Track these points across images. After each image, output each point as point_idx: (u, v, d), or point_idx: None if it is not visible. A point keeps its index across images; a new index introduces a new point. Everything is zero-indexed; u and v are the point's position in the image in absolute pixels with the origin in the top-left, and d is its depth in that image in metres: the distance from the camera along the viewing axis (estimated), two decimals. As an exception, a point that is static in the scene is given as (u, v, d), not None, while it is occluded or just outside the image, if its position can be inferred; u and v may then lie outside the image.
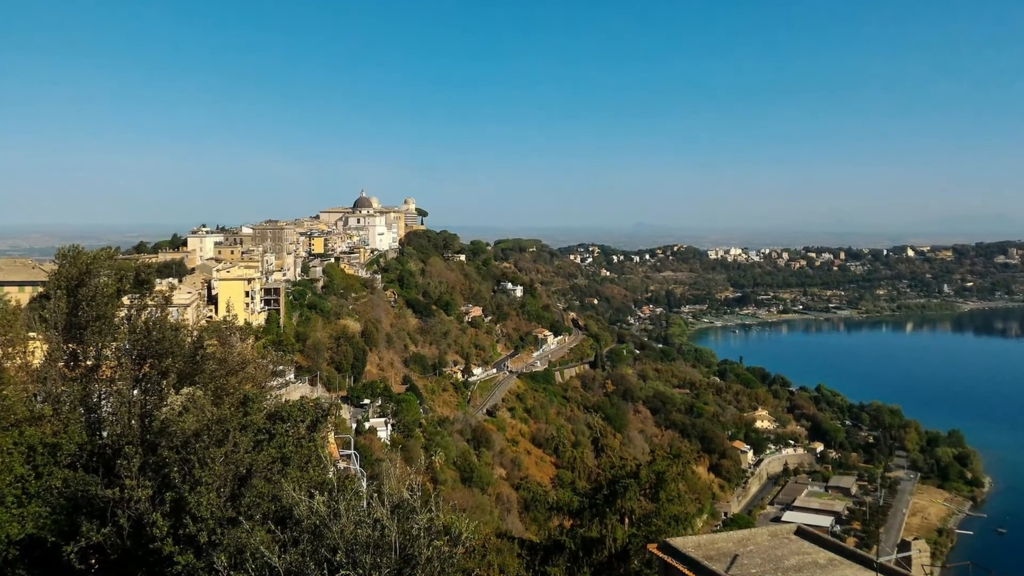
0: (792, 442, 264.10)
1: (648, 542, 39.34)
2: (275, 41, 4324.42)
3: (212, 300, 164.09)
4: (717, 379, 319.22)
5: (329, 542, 18.62)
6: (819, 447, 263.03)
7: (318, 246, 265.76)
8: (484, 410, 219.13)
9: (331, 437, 64.04)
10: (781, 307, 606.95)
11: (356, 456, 75.37)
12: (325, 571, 18.35)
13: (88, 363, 30.71)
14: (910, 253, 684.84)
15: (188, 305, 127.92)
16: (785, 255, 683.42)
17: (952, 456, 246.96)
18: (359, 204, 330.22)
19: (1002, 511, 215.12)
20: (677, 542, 28.98)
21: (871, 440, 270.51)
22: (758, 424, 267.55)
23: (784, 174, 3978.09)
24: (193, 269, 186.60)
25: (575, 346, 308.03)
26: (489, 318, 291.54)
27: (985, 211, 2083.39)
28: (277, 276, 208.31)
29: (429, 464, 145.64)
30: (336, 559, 18.19)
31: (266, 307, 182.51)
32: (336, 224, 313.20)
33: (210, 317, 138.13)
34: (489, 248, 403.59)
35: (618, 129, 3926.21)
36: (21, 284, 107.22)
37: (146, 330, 29.92)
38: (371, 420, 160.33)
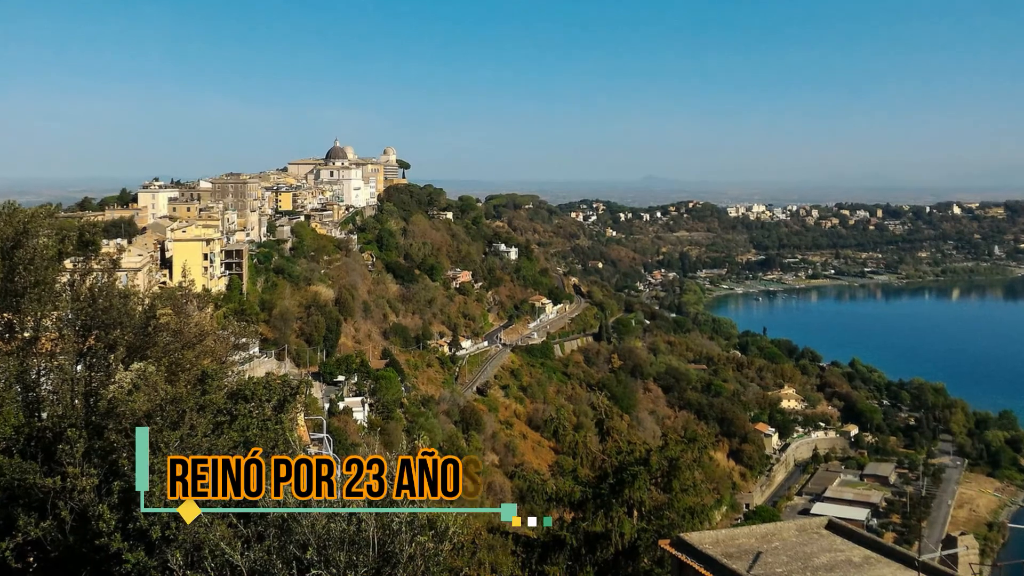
0: (823, 424, 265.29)
1: (660, 537, 39.53)
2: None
3: (166, 263, 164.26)
4: (738, 353, 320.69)
5: (298, 537, 18.62)
6: (853, 430, 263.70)
7: (286, 202, 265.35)
8: (474, 388, 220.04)
9: (301, 419, 64.22)
10: (810, 271, 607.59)
11: (329, 440, 75.77)
12: (294, 570, 18.38)
13: (25, 335, 30.54)
14: (956, 210, 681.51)
15: (139, 269, 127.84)
16: (815, 213, 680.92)
17: (1003, 440, 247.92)
18: (332, 155, 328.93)
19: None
20: (692, 538, 29.08)
21: (912, 422, 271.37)
22: (784, 404, 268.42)
23: (814, 121, 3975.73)
24: (144, 228, 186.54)
25: (577, 316, 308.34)
26: (480, 284, 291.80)
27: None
28: (240, 236, 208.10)
29: (412, 449, 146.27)
30: (306, 557, 18.19)
31: (227, 271, 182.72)
32: (306, 178, 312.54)
33: (164, 283, 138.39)
34: (480, 205, 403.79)
35: (625, 71, 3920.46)
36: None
37: (91, 297, 29.71)
38: (346, 399, 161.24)
